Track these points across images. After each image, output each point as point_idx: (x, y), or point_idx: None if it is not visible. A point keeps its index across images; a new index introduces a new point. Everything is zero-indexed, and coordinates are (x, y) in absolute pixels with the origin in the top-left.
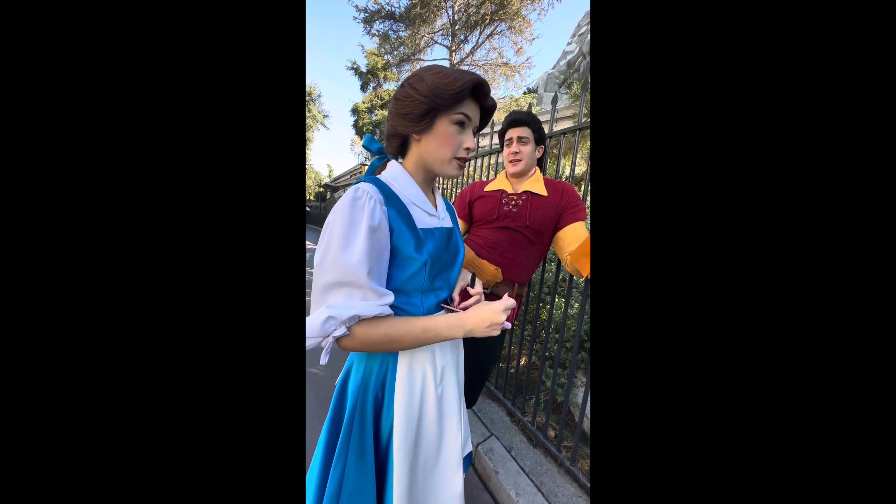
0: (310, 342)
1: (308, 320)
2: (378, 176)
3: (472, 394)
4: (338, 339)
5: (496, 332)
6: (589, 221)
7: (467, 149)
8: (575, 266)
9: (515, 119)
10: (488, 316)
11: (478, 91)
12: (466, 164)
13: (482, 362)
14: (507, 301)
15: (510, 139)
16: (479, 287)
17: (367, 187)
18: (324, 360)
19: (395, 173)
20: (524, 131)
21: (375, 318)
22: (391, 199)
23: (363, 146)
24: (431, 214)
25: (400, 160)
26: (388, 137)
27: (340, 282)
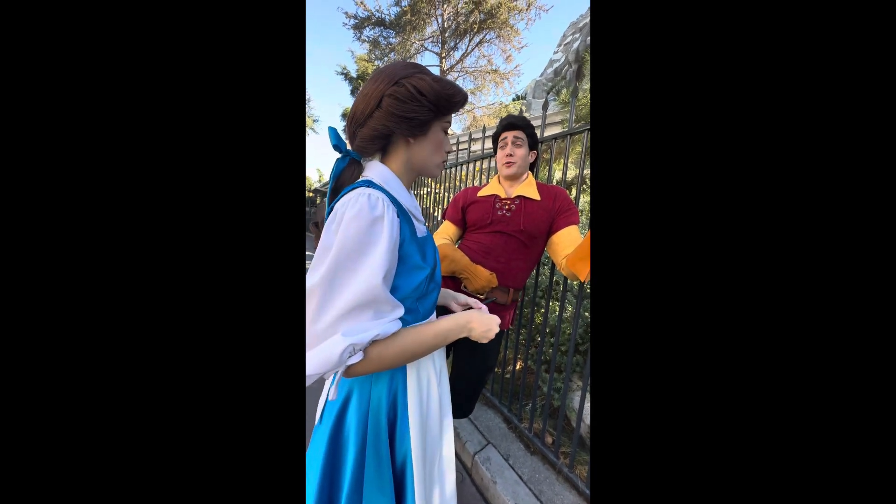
0: (315, 378)
1: (316, 353)
2: (369, 179)
3: (468, 402)
4: (349, 367)
5: (485, 340)
6: (584, 224)
7: (448, 152)
8: (571, 270)
9: (511, 122)
10: (488, 323)
11: (462, 103)
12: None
13: (478, 370)
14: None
15: (504, 141)
16: (478, 303)
17: (380, 194)
18: (334, 395)
19: (386, 177)
20: (519, 134)
21: (391, 335)
22: (399, 209)
23: (332, 145)
24: (420, 220)
25: (377, 160)
26: (375, 138)
27: (364, 303)
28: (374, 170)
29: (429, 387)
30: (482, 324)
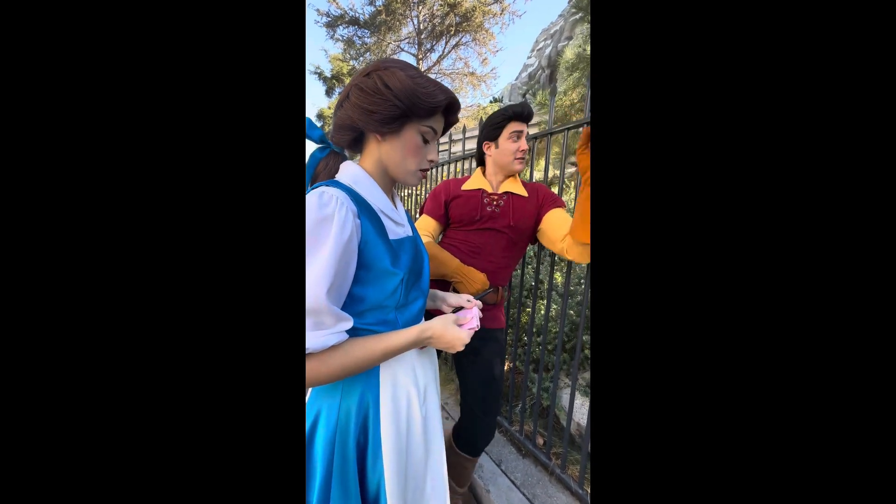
0: None
1: None
2: (338, 179)
3: (485, 418)
4: None
5: (452, 350)
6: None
7: (431, 161)
8: (576, 240)
9: (528, 112)
10: (451, 340)
11: (450, 108)
12: (438, 168)
13: (483, 381)
14: (469, 333)
15: (520, 134)
16: (471, 299)
17: (335, 192)
18: None
19: (357, 177)
20: (526, 128)
21: (329, 349)
22: (363, 208)
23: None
24: (399, 223)
25: (350, 155)
26: (341, 128)
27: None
28: (346, 170)
29: (409, 407)
30: (444, 340)
